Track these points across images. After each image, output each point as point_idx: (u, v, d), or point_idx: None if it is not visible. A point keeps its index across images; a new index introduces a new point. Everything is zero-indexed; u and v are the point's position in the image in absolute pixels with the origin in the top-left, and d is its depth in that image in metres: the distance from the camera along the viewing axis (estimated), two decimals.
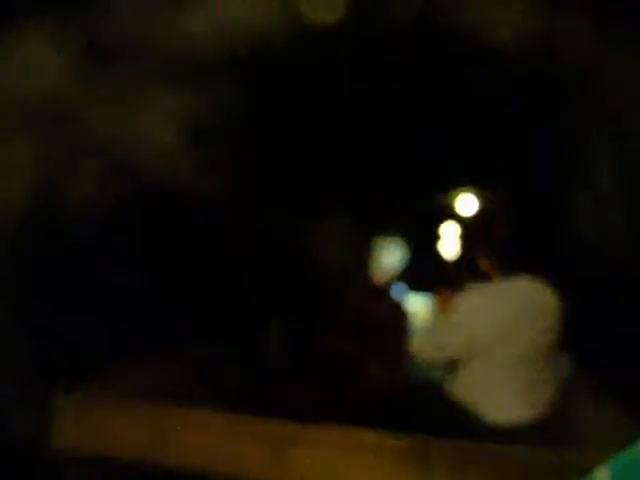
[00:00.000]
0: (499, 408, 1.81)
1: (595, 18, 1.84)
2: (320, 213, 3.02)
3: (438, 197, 4.12)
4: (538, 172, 2.84)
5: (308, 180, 3.02)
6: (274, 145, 2.71)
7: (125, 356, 2.06)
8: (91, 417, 1.81)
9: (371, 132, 2.99)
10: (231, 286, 2.63)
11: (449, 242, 4.05)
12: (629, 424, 1.59)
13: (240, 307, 2.62)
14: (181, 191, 2.15)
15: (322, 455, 1.55)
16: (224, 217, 2.50)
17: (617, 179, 2.27)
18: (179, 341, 2.28)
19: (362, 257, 2.49)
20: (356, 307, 2.57)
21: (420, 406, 1.90)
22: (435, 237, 4.16)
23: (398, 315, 2.61)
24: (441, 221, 4.13)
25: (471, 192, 3.94)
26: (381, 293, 2.64)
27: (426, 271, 3.38)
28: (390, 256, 2.53)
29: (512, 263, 1.91)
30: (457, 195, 4.04)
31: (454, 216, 3.97)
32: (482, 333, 1.81)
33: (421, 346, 1.97)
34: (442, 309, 2.11)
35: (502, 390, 1.82)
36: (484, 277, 1.97)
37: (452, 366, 1.89)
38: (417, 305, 3.16)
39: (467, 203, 3.95)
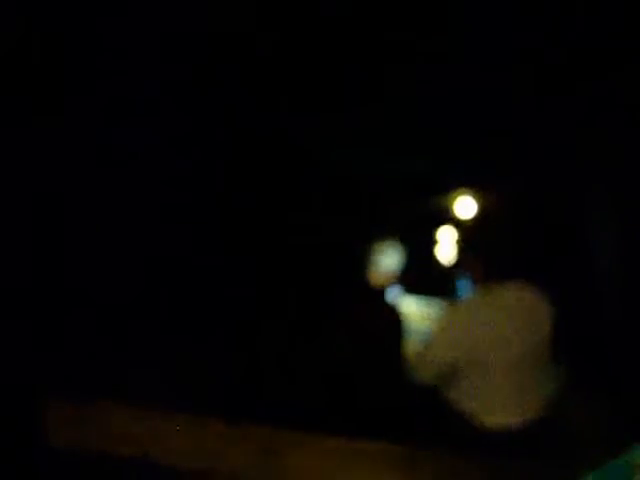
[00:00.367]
0: (491, 413, 1.82)
1: None
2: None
3: (436, 199, 4.12)
4: None
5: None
6: None
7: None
8: (89, 416, 1.82)
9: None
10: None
11: (446, 246, 4.05)
12: (618, 430, 1.60)
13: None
14: None
15: (312, 460, 1.56)
16: None
17: None
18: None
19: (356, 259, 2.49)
20: (351, 309, 2.57)
21: (413, 412, 1.91)
22: (432, 240, 4.16)
23: (393, 318, 2.61)
24: (438, 224, 4.13)
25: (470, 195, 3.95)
26: (377, 295, 2.63)
27: (423, 274, 3.38)
28: (387, 258, 2.53)
29: (504, 270, 1.92)
30: (456, 198, 4.05)
31: (452, 219, 3.98)
32: (477, 345, 1.82)
33: (417, 364, 1.98)
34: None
35: (494, 395, 1.83)
36: (477, 282, 1.97)
37: (446, 374, 1.90)
38: (413, 308, 3.16)
39: (465, 206, 3.95)
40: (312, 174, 3.54)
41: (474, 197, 3.92)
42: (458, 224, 3.79)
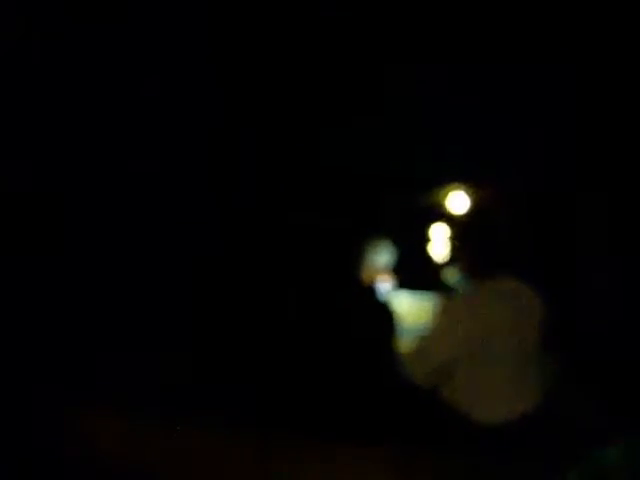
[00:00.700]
0: (485, 408, 1.82)
1: None
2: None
3: (428, 195, 4.12)
4: None
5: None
6: None
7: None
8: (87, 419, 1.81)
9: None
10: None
11: (439, 241, 4.04)
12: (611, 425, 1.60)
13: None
14: None
15: (309, 464, 1.55)
16: None
17: None
18: None
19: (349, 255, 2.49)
20: (344, 306, 2.56)
21: (409, 413, 1.91)
22: (425, 236, 4.16)
23: (386, 314, 2.60)
24: (431, 220, 4.13)
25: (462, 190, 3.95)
26: (368, 292, 2.63)
27: (415, 270, 3.37)
28: (379, 254, 2.52)
29: (495, 265, 1.92)
30: (448, 193, 4.04)
31: (444, 215, 3.97)
32: (470, 340, 1.82)
33: (411, 360, 1.97)
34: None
35: (488, 390, 1.83)
36: (470, 278, 1.97)
37: (440, 370, 1.90)
38: (405, 304, 3.16)
39: (458, 202, 3.94)
40: (303, 170, 3.53)
41: (467, 193, 3.92)
42: (451, 220, 3.79)
